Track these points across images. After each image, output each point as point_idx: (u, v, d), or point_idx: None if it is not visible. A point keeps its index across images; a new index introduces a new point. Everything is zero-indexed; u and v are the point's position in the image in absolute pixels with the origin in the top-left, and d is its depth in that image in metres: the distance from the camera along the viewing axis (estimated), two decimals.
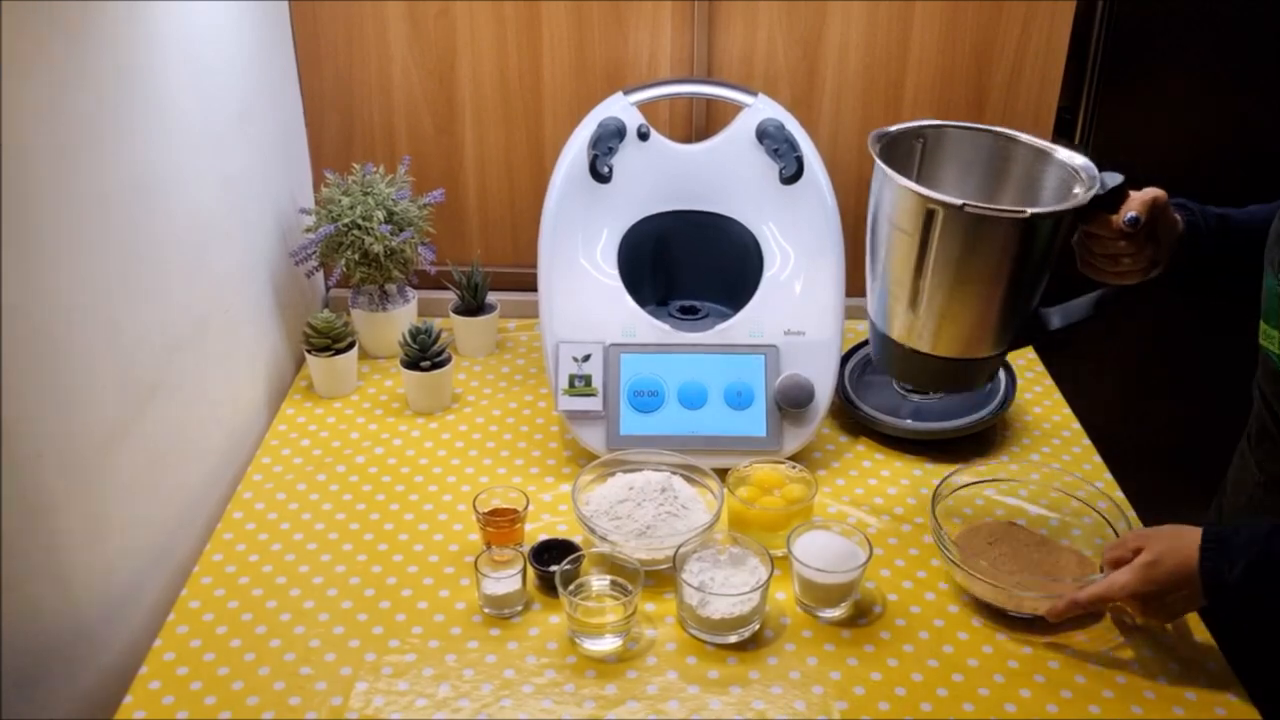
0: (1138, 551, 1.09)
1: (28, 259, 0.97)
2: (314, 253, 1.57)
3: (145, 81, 1.18)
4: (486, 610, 1.19)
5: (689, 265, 1.54)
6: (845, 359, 1.58)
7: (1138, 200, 1.09)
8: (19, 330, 0.96)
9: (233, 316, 1.44)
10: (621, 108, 1.48)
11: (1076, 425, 1.54)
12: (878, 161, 1.09)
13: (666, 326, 1.43)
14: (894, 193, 1.08)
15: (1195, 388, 1.89)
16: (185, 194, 1.29)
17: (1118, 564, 1.11)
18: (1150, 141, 1.75)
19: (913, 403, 1.54)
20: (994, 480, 1.34)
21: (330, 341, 1.55)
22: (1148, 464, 1.45)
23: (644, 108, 1.48)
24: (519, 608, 1.19)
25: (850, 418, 1.53)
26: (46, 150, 0.99)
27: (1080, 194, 1.08)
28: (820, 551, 1.19)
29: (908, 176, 1.16)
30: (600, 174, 1.45)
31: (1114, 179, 1.08)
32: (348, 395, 1.58)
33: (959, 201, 1.03)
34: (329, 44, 1.67)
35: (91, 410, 1.09)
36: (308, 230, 1.61)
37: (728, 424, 1.39)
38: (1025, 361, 1.68)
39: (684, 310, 1.53)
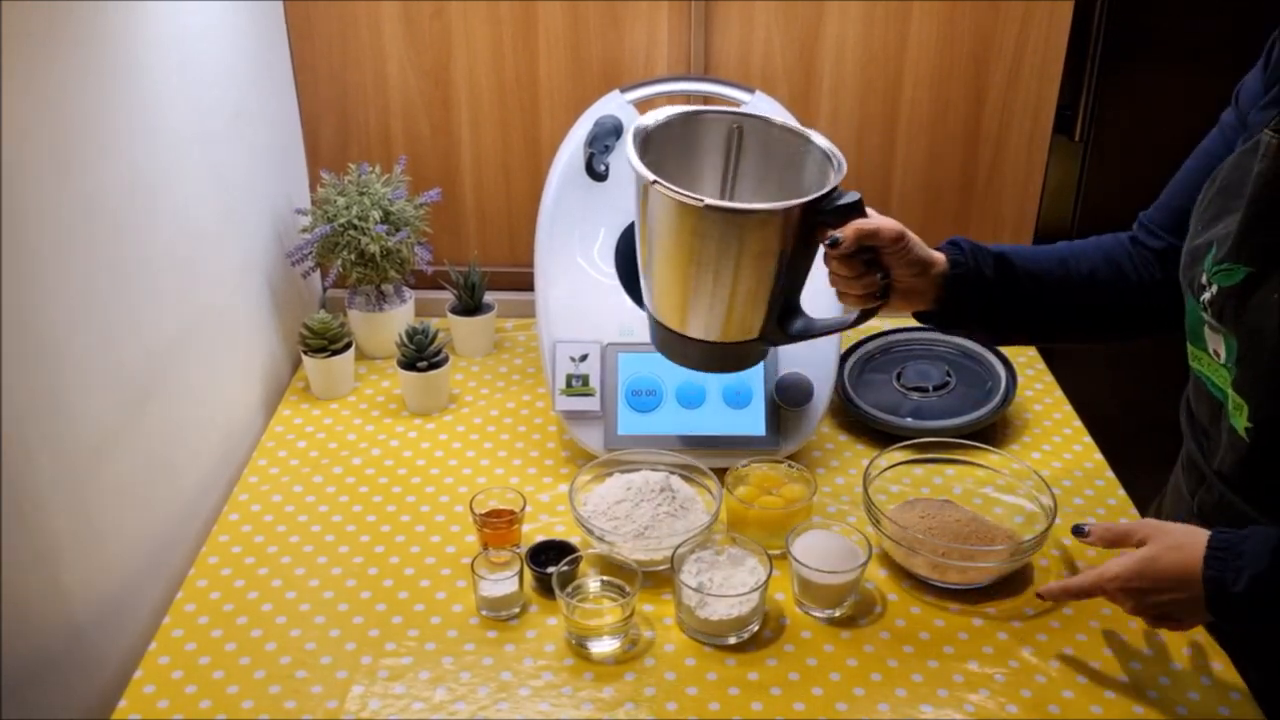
0: (1143, 542, 1.04)
1: (20, 261, 0.96)
2: (310, 253, 1.57)
3: (140, 83, 1.17)
4: (483, 612, 1.19)
5: None
6: (844, 357, 1.58)
7: (854, 225, 1.04)
8: (10, 333, 0.95)
9: (228, 318, 1.43)
10: (618, 106, 1.47)
11: (1077, 423, 1.53)
12: (626, 139, 1.08)
13: None
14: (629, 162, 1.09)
15: None
16: (180, 195, 1.28)
17: (1113, 544, 1.08)
18: (1150, 140, 1.75)
19: (913, 401, 1.53)
20: (922, 461, 1.37)
21: (327, 342, 1.54)
22: (1148, 462, 1.44)
23: (641, 105, 1.47)
24: (516, 610, 1.19)
25: (849, 416, 1.52)
26: (41, 152, 0.99)
27: (803, 197, 1.04)
28: (819, 551, 1.19)
29: (724, 159, 1.16)
30: (597, 172, 1.44)
31: (850, 197, 1.04)
32: (344, 396, 1.58)
33: (651, 178, 1.03)
34: (324, 44, 1.66)
35: (85, 414, 1.08)
36: (304, 231, 1.60)
37: (726, 423, 1.38)
38: (1025, 359, 1.68)
39: None
